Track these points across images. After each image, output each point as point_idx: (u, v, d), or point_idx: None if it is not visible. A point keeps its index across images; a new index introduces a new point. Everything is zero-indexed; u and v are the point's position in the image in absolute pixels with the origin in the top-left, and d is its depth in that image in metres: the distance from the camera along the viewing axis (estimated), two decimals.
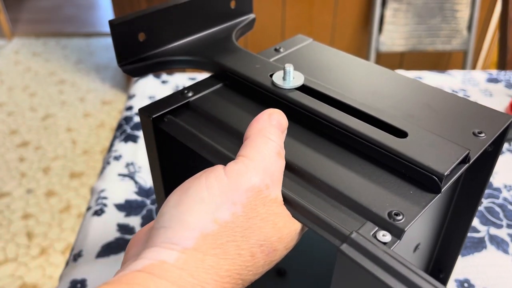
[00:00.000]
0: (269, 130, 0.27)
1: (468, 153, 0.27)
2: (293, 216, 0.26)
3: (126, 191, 0.61)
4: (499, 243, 0.54)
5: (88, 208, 0.60)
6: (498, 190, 0.62)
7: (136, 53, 0.37)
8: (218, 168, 0.25)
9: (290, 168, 0.28)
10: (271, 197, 0.25)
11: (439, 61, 1.83)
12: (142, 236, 0.27)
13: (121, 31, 0.34)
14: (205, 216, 0.23)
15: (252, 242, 0.24)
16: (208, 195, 0.24)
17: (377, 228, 0.24)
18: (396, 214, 0.24)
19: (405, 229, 0.23)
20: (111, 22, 0.34)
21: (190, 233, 0.23)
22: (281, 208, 0.26)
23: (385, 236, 0.23)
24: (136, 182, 0.63)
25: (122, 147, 0.69)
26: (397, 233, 0.23)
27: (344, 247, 0.22)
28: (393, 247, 0.23)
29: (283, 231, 0.25)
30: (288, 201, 0.26)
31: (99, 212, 0.58)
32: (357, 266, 0.21)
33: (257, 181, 0.24)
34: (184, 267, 0.22)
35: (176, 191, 0.25)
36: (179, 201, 0.24)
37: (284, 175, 0.28)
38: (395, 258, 0.21)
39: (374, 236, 0.23)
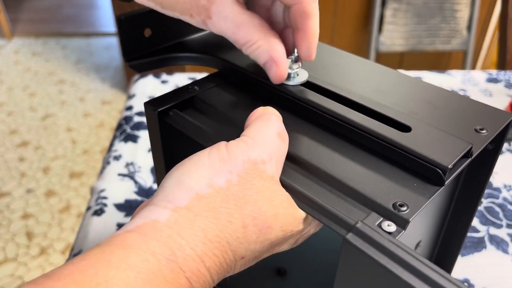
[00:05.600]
0: (269, 114, 0.29)
1: (471, 148, 0.28)
2: (299, 207, 0.26)
3: (126, 191, 0.61)
4: (499, 243, 0.54)
5: (88, 208, 0.60)
6: (498, 190, 0.62)
7: (142, 48, 0.37)
8: (221, 144, 0.27)
9: (296, 161, 0.29)
10: (268, 173, 0.26)
11: (439, 61, 1.83)
12: (147, 202, 0.28)
13: (127, 26, 0.35)
14: (202, 179, 0.25)
15: (245, 213, 0.25)
16: (209, 162, 0.25)
17: (382, 218, 0.24)
18: (401, 205, 0.24)
19: (410, 220, 0.24)
20: (118, 17, 0.34)
21: (185, 193, 0.24)
22: (278, 186, 0.26)
23: (390, 226, 0.24)
24: (136, 182, 0.63)
25: (122, 147, 0.69)
26: (402, 223, 0.24)
27: (350, 236, 0.22)
28: (398, 237, 0.23)
29: (278, 209, 0.26)
30: (294, 192, 0.27)
31: (99, 212, 0.58)
32: (363, 255, 0.21)
33: (253, 155, 0.26)
34: (174, 226, 0.23)
35: (183, 161, 0.27)
36: (181, 164, 0.26)
37: (290, 167, 0.28)
38: (400, 247, 0.21)
39: (379, 226, 0.24)
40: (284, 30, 0.34)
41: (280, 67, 0.31)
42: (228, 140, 0.27)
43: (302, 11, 0.30)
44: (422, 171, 0.27)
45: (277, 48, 0.31)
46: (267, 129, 0.27)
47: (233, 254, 0.25)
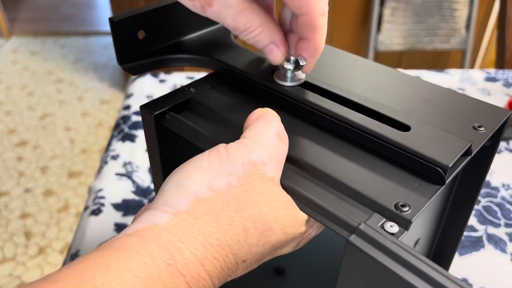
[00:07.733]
0: (268, 115, 0.28)
1: (471, 146, 0.28)
2: (300, 209, 0.26)
3: (123, 191, 0.61)
4: (497, 242, 0.54)
5: (86, 208, 0.59)
6: (496, 189, 0.62)
7: (136, 51, 0.37)
8: (220, 146, 0.26)
9: (296, 163, 0.28)
10: (268, 174, 0.26)
11: (438, 60, 1.83)
12: (148, 206, 0.27)
13: (121, 28, 0.34)
14: (202, 182, 0.25)
15: (246, 216, 0.24)
16: (208, 165, 0.25)
17: (384, 219, 0.24)
18: (403, 206, 0.24)
19: (412, 220, 0.24)
20: (111, 19, 0.34)
21: (185, 196, 0.24)
22: (278, 188, 0.26)
23: (392, 227, 0.24)
24: (133, 182, 0.62)
25: (119, 147, 0.69)
26: (404, 224, 0.24)
27: (353, 238, 0.22)
28: (400, 237, 0.23)
29: (279, 211, 0.25)
30: (295, 194, 0.27)
31: (96, 212, 0.58)
32: (366, 256, 0.21)
33: (253, 156, 0.25)
34: (173, 230, 0.23)
35: (182, 164, 0.27)
36: (181, 168, 0.26)
37: (290, 169, 0.28)
38: (403, 248, 0.21)
39: (382, 227, 0.24)
40: (289, 34, 0.34)
41: (282, 48, 0.32)
42: (226, 143, 0.26)
43: (310, 23, 0.29)
44: (423, 170, 0.27)
45: (278, 32, 0.31)
46: (266, 130, 0.27)
47: (234, 258, 0.24)
